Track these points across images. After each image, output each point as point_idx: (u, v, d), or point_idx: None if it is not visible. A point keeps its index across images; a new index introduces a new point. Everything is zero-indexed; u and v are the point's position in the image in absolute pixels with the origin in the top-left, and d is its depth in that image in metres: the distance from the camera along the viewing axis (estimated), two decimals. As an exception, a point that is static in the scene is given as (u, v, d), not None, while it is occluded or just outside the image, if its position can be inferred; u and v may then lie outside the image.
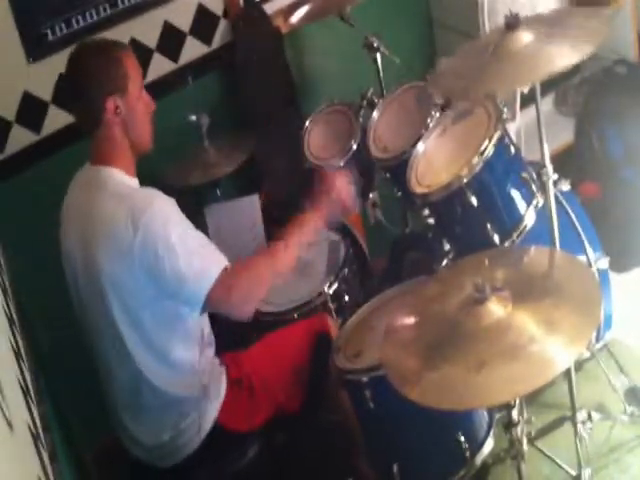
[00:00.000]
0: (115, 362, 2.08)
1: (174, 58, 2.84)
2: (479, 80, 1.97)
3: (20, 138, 2.61)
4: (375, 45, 2.70)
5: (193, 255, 1.96)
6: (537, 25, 1.96)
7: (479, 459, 2.12)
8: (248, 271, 2.05)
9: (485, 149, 2.12)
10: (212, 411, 2.12)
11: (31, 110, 2.59)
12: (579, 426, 2.32)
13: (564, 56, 1.84)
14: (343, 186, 2.27)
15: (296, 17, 2.78)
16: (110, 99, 2.00)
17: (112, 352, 2.07)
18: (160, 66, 2.81)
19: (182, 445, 2.11)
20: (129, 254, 1.93)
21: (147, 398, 2.08)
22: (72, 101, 2.10)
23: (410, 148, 2.40)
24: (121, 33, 2.66)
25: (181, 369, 2.08)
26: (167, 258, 1.93)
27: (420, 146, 2.35)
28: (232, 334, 2.35)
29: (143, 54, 2.75)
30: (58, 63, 2.54)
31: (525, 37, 1.92)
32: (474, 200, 2.13)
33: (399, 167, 2.40)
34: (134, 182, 2.07)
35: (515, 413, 1.88)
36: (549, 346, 1.58)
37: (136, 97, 2.05)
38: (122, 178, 2.04)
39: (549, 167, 2.07)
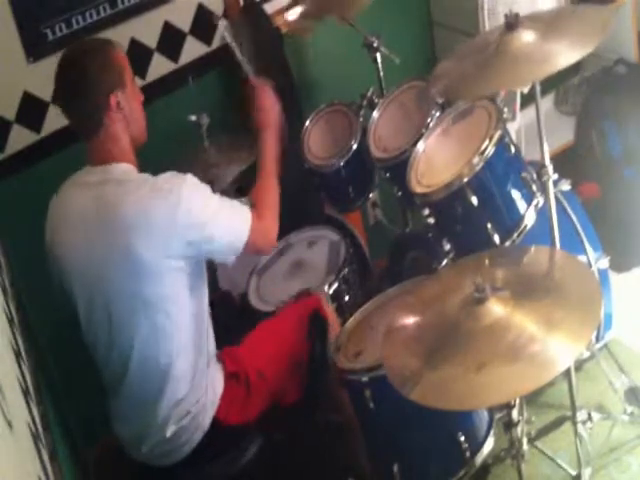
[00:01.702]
0: (115, 364, 2.09)
1: (174, 58, 2.84)
2: (480, 80, 1.97)
3: (20, 138, 2.61)
4: (375, 45, 2.70)
5: (222, 221, 2.05)
6: (537, 24, 1.96)
7: (479, 459, 2.12)
8: (267, 209, 2.20)
9: (485, 149, 2.11)
10: (211, 407, 2.13)
11: (31, 110, 2.59)
12: (579, 426, 2.32)
13: (565, 55, 1.84)
14: (267, 97, 2.43)
15: (292, 15, 2.77)
16: (112, 96, 2.03)
17: (115, 354, 2.08)
18: (160, 66, 2.80)
19: (183, 443, 2.11)
20: (172, 233, 1.96)
21: (150, 396, 2.08)
22: (71, 105, 2.07)
23: (410, 148, 2.40)
24: (121, 33, 2.66)
25: (179, 369, 2.07)
26: (209, 224, 2.01)
27: (420, 146, 2.35)
28: (229, 332, 2.35)
29: (143, 54, 2.75)
30: (58, 63, 2.55)
31: (525, 36, 1.92)
32: (474, 200, 2.13)
33: (399, 167, 2.40)
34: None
35: (515, 413, 1.88)
36: (549, 346, 1.58)
37: (131, 89, 2.09)
38: (135, 171, 2.07)
39: (549, 167, 2.07)
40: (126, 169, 2.06)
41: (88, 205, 2.04)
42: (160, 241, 1.97)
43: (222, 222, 2.05)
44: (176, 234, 1.97)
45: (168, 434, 2.10)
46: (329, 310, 2.37)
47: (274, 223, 2.20)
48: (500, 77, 1.94)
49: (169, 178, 2.03)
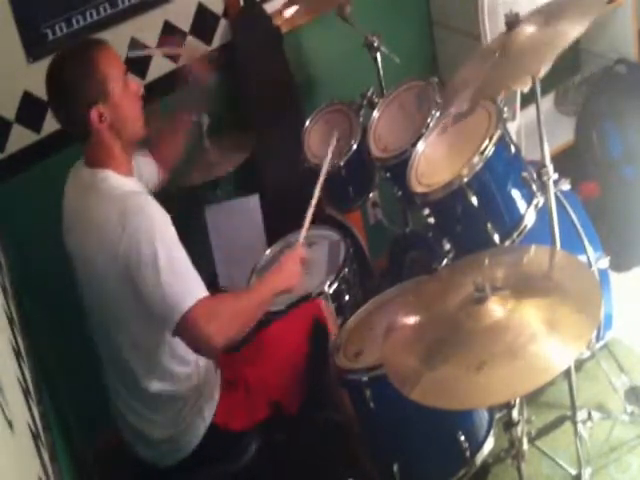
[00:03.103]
0: (110, 361, 2.12)
1: (174, 58, 2.84)
2: (496, 79, 1.97)
3: (20, 138, 2.61)
4: (375, 45, 2.70)
5: (176, 274, 1.91)
6: (537, 17, 1.97)
7: (479, 459, 2.12)
8: (227, 305, 2.00)
9: (485, 148, 2.11)
10: (208, 412, 2.13)
11: (31, 110, 2.59)
12: (579, 426, 2.32)
13: (567, 33, 1.84)
14: (295, 273, 2.22)
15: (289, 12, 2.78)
16: (93, 110, 1.97)
17: (108, 352, 2.11)
18: (160, 65, 2.81)
19: (181, 445, 2.12)
20: (115, 256, 1.92)
21: (141, 398, 2.10)
22: (57, 114, 2.06)
23: (410, 147, 2.40)
24: (121, 33, 2.66)
25: (172, 371, 2.08)
26: (149, 268, 1.89)
27: (420, 145, 2.35)
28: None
29: (143, 54, 2.75)
30: (58, 63, 2.54)
31: (528, 29, 1.93)
32: (474, 199, 2.13)
33: (399, 166, 2.40)
34: (130, 182, 2.06)
35: (515, 413, 1.88)
36: (549, 346, 1.58)
37: (120, 94, 2.00)
38: (117, 180, 2.03)
39: (549, 166, 2.07)
40: (108, 177, 2.02)
41: (75, 210, 2.08)
42: (109, 264, 1.94)
43: (170, 277, 1.89)
44: (118, 259, 1.91)
45: (163, 437, 2.11)
46: (329, 314, 2.35)
47: (227, 329, 1.95)
48: (515, 70, 1.94)
49: (140, 201, 1.96)
